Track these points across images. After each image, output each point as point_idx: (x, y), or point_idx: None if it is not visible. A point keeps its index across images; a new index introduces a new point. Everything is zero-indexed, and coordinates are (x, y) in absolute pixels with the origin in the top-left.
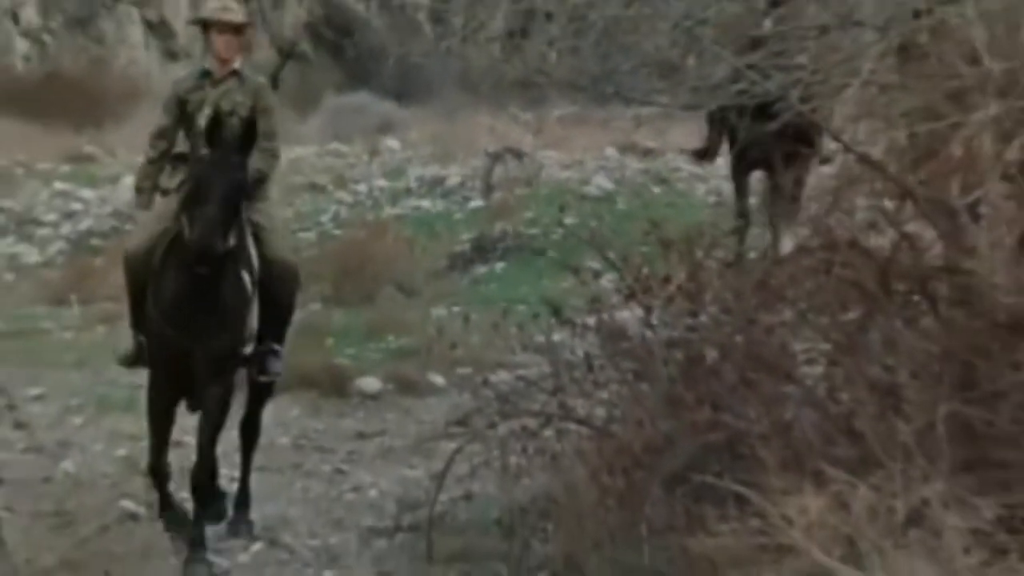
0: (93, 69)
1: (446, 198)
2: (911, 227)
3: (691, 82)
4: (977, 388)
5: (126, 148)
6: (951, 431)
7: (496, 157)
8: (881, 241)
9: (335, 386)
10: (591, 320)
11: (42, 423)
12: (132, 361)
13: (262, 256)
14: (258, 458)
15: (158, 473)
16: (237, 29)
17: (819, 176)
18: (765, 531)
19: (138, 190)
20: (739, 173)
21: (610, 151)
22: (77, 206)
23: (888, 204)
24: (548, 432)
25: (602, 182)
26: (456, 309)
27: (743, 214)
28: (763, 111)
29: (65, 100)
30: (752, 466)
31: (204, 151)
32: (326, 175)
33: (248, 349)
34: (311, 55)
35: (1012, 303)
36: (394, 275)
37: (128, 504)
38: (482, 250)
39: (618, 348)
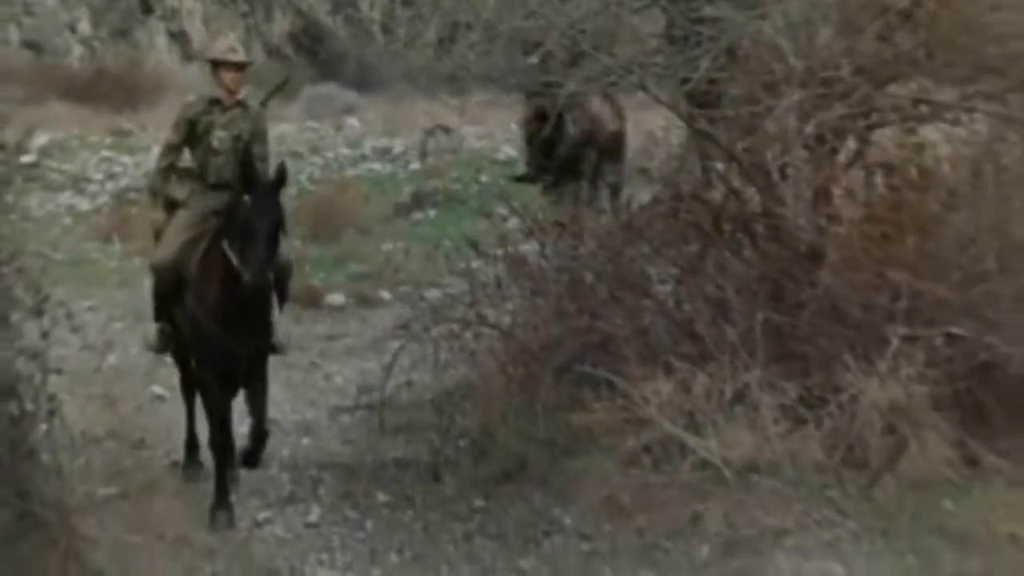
0: (130, 67)
1: (393, 163)
2: (737, 183)
3: (578, 76)
4: (784, 301)
5: (155, 125)
6: (765, 332)
7: (430, 132)
8: (714, 193)
9: (311, 300)
10: (500, 252)
11: (93, 328)
12: (159, 348)
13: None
14: None
15: (222, 446)
16: (240, 67)
17: (670, 146)
18: (628, 408)
19: (151, 192)
20: None
21: (513, 126)
22: (118, 168)
23: (719, 166)
24: (468, 334)
25: (508, 150)
26: (400, 244)
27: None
28: None
29: (109, 90)
30: (619, 360)
31: (245, 197)
32: (304, 145)
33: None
34: (292, 56)
35: (810, 239)
36: (354, 220)
37: (157, 389)
38: (419, 201)
39: (520, 272)
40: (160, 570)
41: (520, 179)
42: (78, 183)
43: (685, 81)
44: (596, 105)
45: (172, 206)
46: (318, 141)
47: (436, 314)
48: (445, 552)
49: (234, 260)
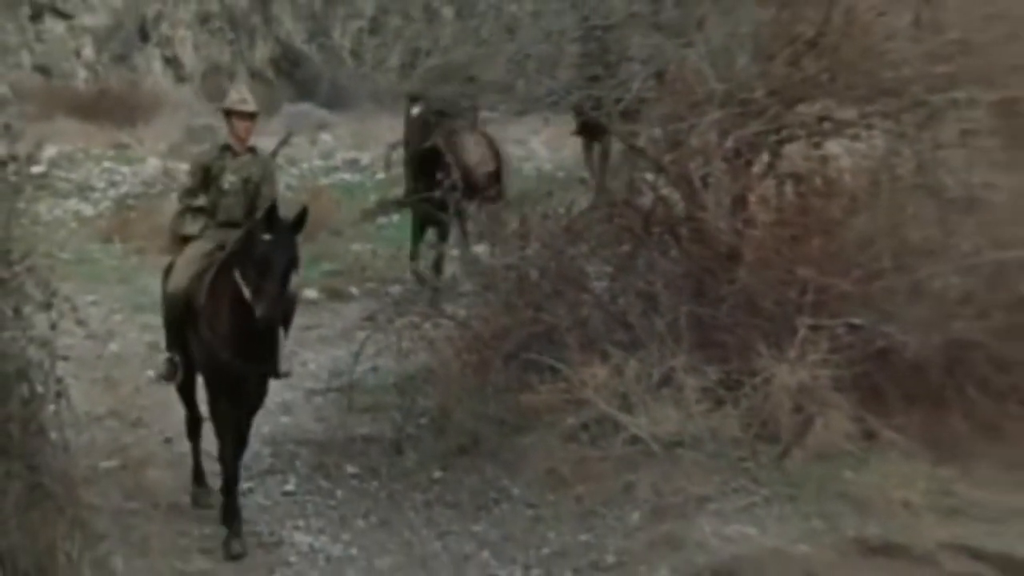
0: (129, 88)
1: (361, 173)
2: (664, 191)
3: (519, 97)
4: (706, 295)
5: (150, 139)
6: (689, 323)
7: (393, 146)
8: (644, 200)
9: None
10: (456, 252)
11: (95, 319)
12: (168, 376)
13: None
14: None
15: (235, 467)
16: (252, 116)
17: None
18: (568, 390)
19: (172, 236)
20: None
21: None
22: (118, 177)
23: (649, 176)
24: (427, 325)
25: None
26: (367, 246)
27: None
28: None
29: (110, 108)
30: (560, 347)
31: (266, 236)
32: (282, 157)
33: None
34: (273, 79)
35: (728, 240)
36: (327, 223)
37: (152, 373)
38: (384, 207)
39: (473, 270)
40: (155, 534)
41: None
42: (83, 191)
43: (618, 101)
44: (470, 146)
45: (184, 240)
46: (295, 153)
47: (399, 307)
48: (407, 518)
49: (246, 292)
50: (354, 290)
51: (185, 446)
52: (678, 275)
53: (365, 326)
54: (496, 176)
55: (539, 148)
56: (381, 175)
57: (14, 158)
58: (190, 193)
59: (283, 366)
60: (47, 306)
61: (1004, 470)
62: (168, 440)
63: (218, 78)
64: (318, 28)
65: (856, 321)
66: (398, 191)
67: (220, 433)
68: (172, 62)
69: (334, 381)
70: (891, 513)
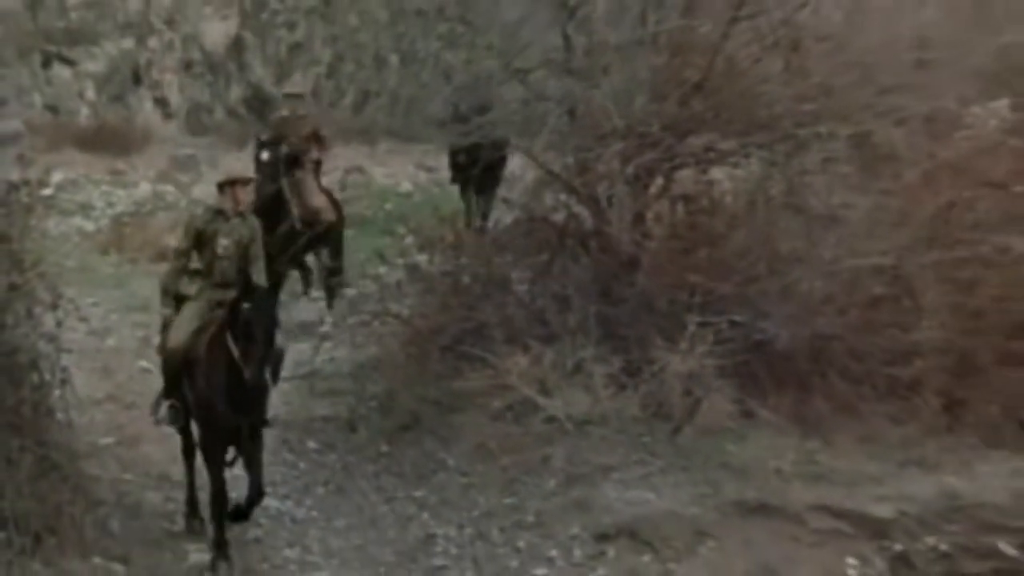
0: (124, 123)
1: None
2: (575, 209)
3: (451, 132)
4: (611, 297)
5: (142, 167)
6: (597, 320)
7: (348, 171)
8: (559, 217)
9: None
10: (400, 261)
11: (95, 318)
12: (173, 421)
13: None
14: None
15: (223, 506)
16: (247, 182)
17: (526, 181)
18: (495, 377)
19: (164, 291)
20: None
21: (411, 168)
22: (115, 199)
23: (563, 196)
24: (376, 323)
25: (407, 185)
26: None
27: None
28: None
29: (108, 140)
30: (489, 341)
31: (245, 304)
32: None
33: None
34: (245, 115)
35: (629, 251)
36: None
37: (143, 363)
38: None
39: (415, 276)
40: (146, 500)
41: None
42: (85, 210)
43: (537, 134)
44: (314, 192)
45: (181, 300)
46: None
47: (353, 307)
48: (359, 485)
49: (236, 354)
50: (316, 293)
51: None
52: (587, 280)
53: (323, 324)
54: (336, 227)
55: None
56: (338, 195)
57: (27, 183)
58: (183, 254)
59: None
60: (54, 307)
61: (859, 443)
62: (158, 422)
63: (199, 115)
64: (283, 73)
65: (736, 318)
66: (355, 209)
67: (212, 479)
68: (160, 102)
69: (298, 370)
70: (766, 479)
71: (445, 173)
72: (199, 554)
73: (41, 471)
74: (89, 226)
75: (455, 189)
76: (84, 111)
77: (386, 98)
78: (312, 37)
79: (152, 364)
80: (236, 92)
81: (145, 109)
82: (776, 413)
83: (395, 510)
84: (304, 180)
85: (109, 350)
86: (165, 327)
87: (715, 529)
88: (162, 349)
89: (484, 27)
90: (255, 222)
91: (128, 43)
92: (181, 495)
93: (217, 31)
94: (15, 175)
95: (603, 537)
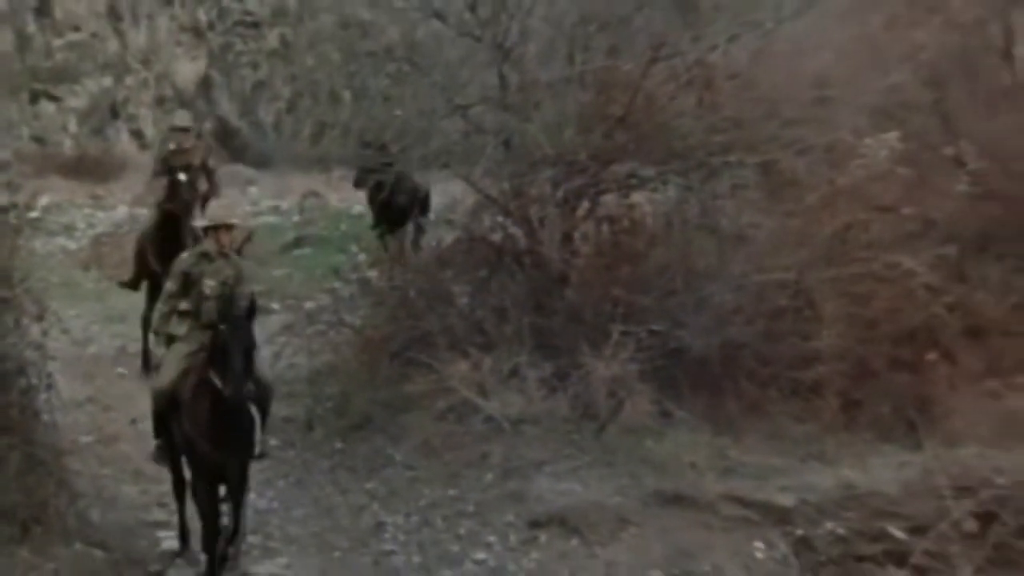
0: (104, 153)
1: (281, 216)
2: (511, 230)
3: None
4: (543, 309)
5: (120, 192)
6: (530, 330)
7: (306, 196)
8: (496, 236)
9: None
10: (354, 276)
11: (77, 328)
12: (160, 459)
13: (253, 377)
14: None
15: (213, 543)
16: (231, 227)
17: (466, 204)
18: (439, 381)
19: (156, 333)
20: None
21: (361, 192)
22: (95, 220)
23: (499, 218)
24: (332, 332)
25: (359, 208)
26: (286, 271)
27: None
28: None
29: (90, 168)
30: (433, 348)
31: (222, 326)
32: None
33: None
34: (213, 145)
35: (559, 267)
36: (254, 253)
37: (121, 370)
38: (299, 241)
39: (366, 290)
40: (122, 493)
41: (374, 227)
42: (68, 230)
43: (476, 162)
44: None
45: (171, 340)
46: (232, 203)
47: (310, 319)
48: (316, 479)
49: (218, 383)
50: (275, 305)
51: (146, 425)
52: (522, 294)
53: (284, 333)
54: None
55: None
56: (297, 218)
57: (15, 206)
58: (173, 297)
59: (257, 448)
60: (40, 318)
61: (765, 439)
62: (133, 421)
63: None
64: (247, 108)
65: (655, 328)
66: (310, 230)
67: (201, 517)
68: (136, 134)
69: None
70: (681, 472)
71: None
72: (171, 541)
73: (28, 467)
74: (72, 245)
75: None
76: (67, 142)
77: (339, 130)
78: (273, 76)
79: (128, 370)
80: (205, 125)
81: (122, 140)
82: (691, 413)
83: (348, 501)
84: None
85: (90, 357)
86: (157, 368)
87: (636, 517)
88: (152, 389)
89: (428, 67)
90: (240, 262)
91: (107, 81)
92: (155, 488)
93: (188, 70)
94: (5, 199)
95: (536, 524)
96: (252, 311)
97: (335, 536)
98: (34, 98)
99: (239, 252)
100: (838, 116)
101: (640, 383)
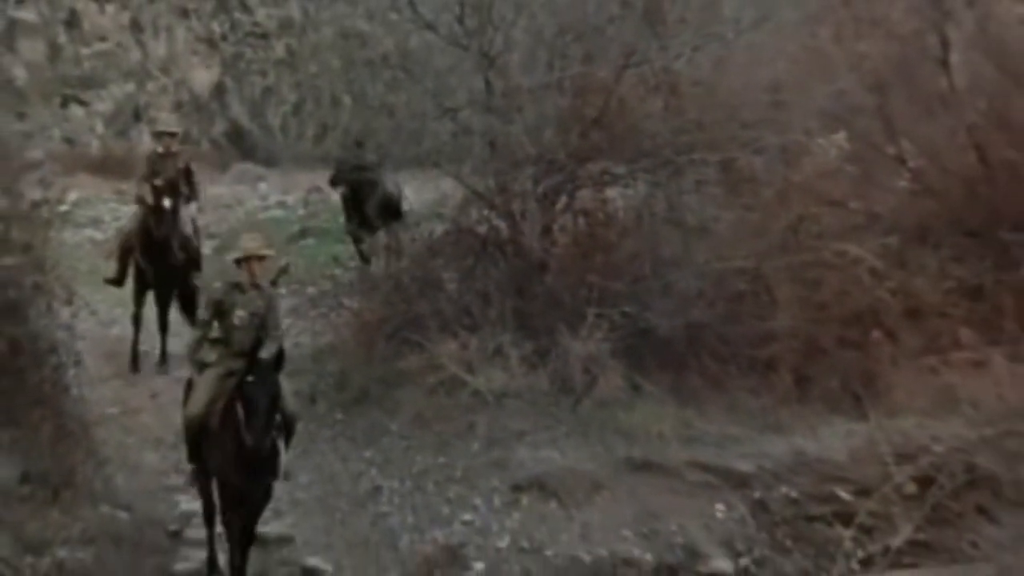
0: (127, 153)
1: (287, 210)
2: (495, 222)
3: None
4: (524, 294)
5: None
6: (512, 313)
7: (310, 191)
8: (482, 228)
9: None
10: (352, 264)
11: (102, 311)
12: (195, 483)
13: (280, 411)
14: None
15: (242, 564)
16: (263, 258)
17: (455, 199)
18: (430, 359)
19: (190, 359)
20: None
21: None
22: (119, 214)
23: (485, 211)
24: (333, 315)
25: None
26: (291, 259)
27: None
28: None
29: (115, 167)
30: (425, 330)
31: (250, 377)
32: (232, 200)
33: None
34: (225, 145)
35: (539, 256)
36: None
37: (144, 348)
38: (304, 233)
39: (364, 277)
40: (145, 460)
41: (347, 231)
42: (95, 223)
43: (464, 161)
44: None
45: (203, 367)
46: (241, 197)
47: (313, 303)
48: (319, 448)
49: (241, 425)
50: (282, 291)
51: (165, 398)
52: (505, 280)
53: (290, 315)
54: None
55: (409, 193)
56: (302, 211)
57: (47, 201)
58: (205, 324)
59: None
60: (69, 302)
61: (726, 411)
62: (154, 395)
63: (188, 145)
64: (257, 112)
65: (626, 310)
66: (313, 222)
67: (228, 537)
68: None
69: None
70: (649, 441)
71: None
72: (188, 504)
73: (59, 436)
74: (99, 236)
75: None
76: (94, 143)
77: (340, 132)
78: (280, 82)
79: (150, 348)
80: (218, 126)
81: (144, 141)
82: (658, 387)
83: (348, 468)
84: (178, 210)
85: (114, 338)
86: (187, 392)
87: (608, 482)
88: (184, 415)
89: (420, 74)
90: (272, 293)
91: (130, 87)
92: (174, 455)
93: (203, 77)
94: (38, 195)
95: (518, 488)
96: (280, 361)
97: (336, 499)
98: (64, 103)
99: (274, 284)
100: (791, 119)
101: (612, 360)
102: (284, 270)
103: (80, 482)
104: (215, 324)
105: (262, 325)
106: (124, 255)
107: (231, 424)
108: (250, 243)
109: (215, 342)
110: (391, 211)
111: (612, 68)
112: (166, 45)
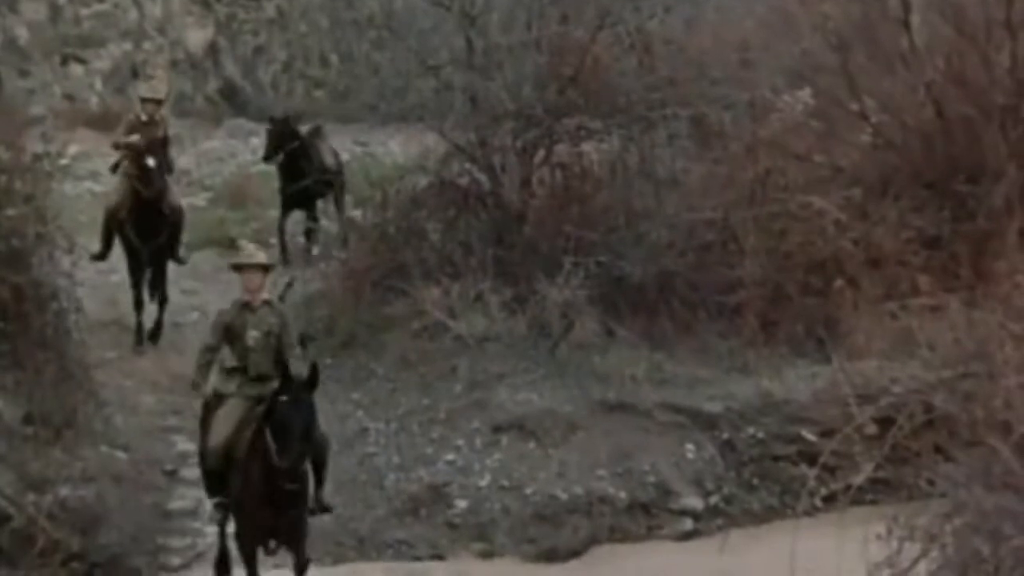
0: (125, 109)
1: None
2: (476, 175)
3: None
4: (504, 243)
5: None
6: (493, 260)
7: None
8: (463, 180)
9: (229, 245)
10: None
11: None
12: (216, 519)
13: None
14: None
15: None
16: (264, 268)
17: (438, 153)
18: (414, 305)
19: (194, 385)
20: None
21: (348, 143)
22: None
23: (467, 164)
24: (322, 263)
25: (345, 156)
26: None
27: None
28: None
29: (113, 122)
30: (410, 277)
31: (283, 398)
32: (225, 153)
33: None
34: (220, 102)
35: (518, 207)
36: (255, 197)
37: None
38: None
39: (352, 227)
40: (142, 401)
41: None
42: (94, 176)
43: (446, 116)
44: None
45: (220, 398)
46: (233, 151)
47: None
48: None
49: (272, 451)
50: (273, 240)
51: (164, 342)
52: (486, 230)
53: (284, 284)
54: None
55: (395, 147)
56: None
57: (48, 154)
58: (211, 349)
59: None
60: (70, 251)
61: (694, 354)
62: (153, 339)
63: (183, 102)
64: (249, 70)
65: (601, 259)
66: None
67: (249, 570)
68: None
69: None
70: (623, 384)
71: (376, 147)
72: (185, 444)
73: (61, 378)
74: (97, 188)
75: (384, 160)
76: (94, 99)
77: (328, 88)
78: (271, 41)
79: (149, 297)
80: (212, 84)
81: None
82: (631, 332)
83: (336, 409)
84: (163, 170)
85: (113, 284)
86: (203, 424)
87: (584, 422)
88: (201, 447)
89: (404, 33)
90: (283, 309)
91: (127, 46)
92: (170, 397)
93: (197, 37)
94: (40, 148)
95: (498, 429)
96: (313, 381)
97: None
98: (64, 61)
99: (282, 300)
100: (758, 76)
101: (588, 306)
102: (290, 284)
103: (81, 423)
104: (227, 350)
105: (279, 345)
106: (108, 230)
107: (259, 454)
108: (244, 251)
109: (232, 371)
110: (328, 180)
111: (588, 28)
112: (162, 6)
